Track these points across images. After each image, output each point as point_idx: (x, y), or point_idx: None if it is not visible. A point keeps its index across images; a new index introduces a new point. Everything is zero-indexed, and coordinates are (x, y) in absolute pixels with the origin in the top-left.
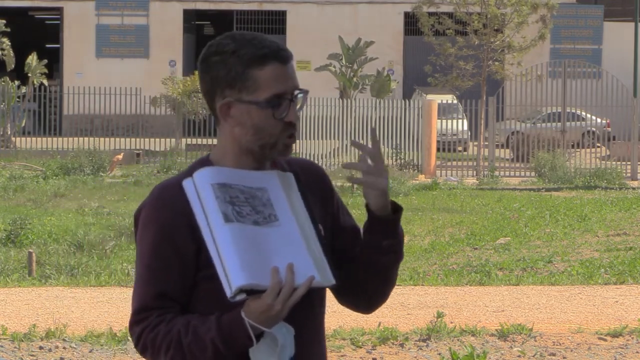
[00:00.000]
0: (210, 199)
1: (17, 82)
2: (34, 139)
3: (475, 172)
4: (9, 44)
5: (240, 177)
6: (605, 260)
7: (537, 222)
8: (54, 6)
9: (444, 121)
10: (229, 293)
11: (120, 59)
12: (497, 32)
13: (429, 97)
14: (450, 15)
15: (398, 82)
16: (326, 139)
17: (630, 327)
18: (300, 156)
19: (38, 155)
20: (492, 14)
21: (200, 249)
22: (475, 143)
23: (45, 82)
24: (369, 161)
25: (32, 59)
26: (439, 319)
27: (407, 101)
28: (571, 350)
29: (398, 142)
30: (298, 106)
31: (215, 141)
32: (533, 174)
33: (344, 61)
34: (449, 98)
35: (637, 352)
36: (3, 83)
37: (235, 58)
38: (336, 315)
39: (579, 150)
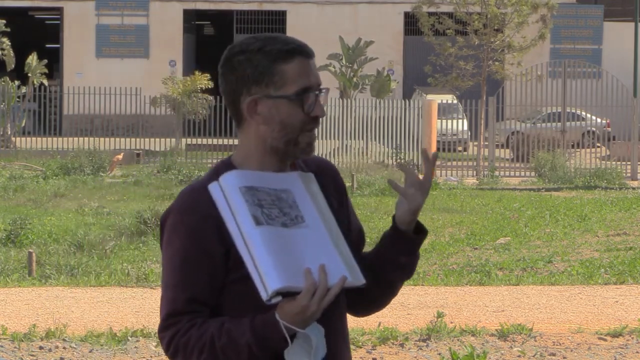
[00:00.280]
0: (240, 203)
1: (17, 82)
2: (34, 139)
3: (475, 172)
4: (9, 44)
5: (264, 179)
6: (605, 260)
7: (537, 222)
8: (54, 6)
9: (444, 121)
10: (265, 296)
11: (120, 59)
12: (497, 32)
13: (429, 97)
14: (450, 15)
15: (398, 82)
16: (326, 138)
17: (630, 327)
18: None
19: (38, 155)
20: (492, 14)
21: (229, 251)
22: (475, 143)
23: (45, 82)
24: (420, 176)
25: (32, 59)
26: (439, 319)
27: (407, 101)
28: (571, 350)
29: (398, 142)
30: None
31: (215, 141)
32: (533, 174)
33: (344, 61)
34: (449, 98)
35: (637, 352)
36: (3, 83)
37: (262, 54)
38: None
39: (579, 150)
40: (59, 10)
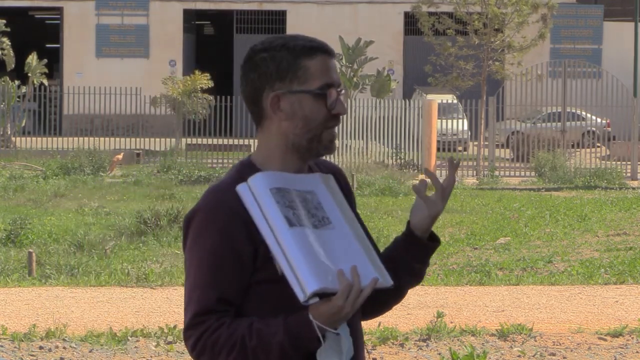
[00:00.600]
0: (271, 204)
1: (17, 82)
2: (34, 138)
3: (475, 172)
4: (9, 44)
5: (291, 180)
6: (605, 260)
7: (537, 222)
8: (54, 6)
9: (444, 121)
10: (302, 297)
11: (120, 59)
12: (498, 32)
13: (429, 97)
14: (450, 15)
15: (398, 82)
16: None
17: (630, 327)
18: None
19: (38, 155)
20: (492, 14)
21: (257, 250)
22: (475, 143)
23: (45, 82)
24: (442, 184)
25: (32, 59)
26: (439, 319)
27: (407, 101)
28: (571, 350)
29: (398, 142)
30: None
31: (215, 141)
32: (533, 173)
33: (344, 61)
34: (449, 98)
35: (637, 352)
36: (3, 83)
37: (285, 51)
38: None
39: (579, 150)
40: (59, 10)
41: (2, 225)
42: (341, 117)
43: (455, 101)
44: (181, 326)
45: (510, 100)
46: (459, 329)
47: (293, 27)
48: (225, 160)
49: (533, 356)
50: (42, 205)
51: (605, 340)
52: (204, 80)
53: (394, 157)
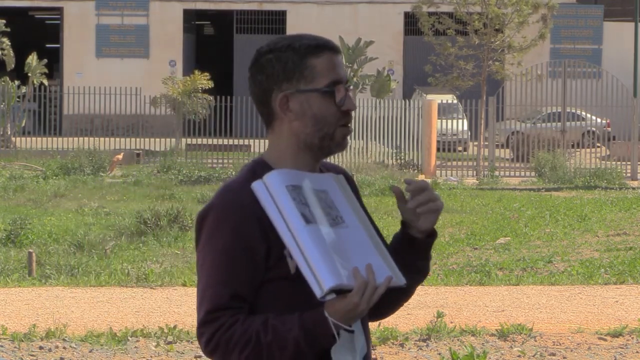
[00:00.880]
0: (287, 202)
1: (17, 82)
2: (34, 139)
3: (475, 172)
4: (9, 44)
5: (305, 179)
6: (605, 260)
7: (537, 222)
8: (54, 6)
9: (444, 121)
10: (319, 294)
11: (120, 59)
12: (498, 32)
13: (429, 97)
14: (450, 15)
15: (398, 82)
16: None
17: (630, 327)
18: None
19: (38, 155)
20: (492, 14)
21: (270, 248)
22: (475, 143)
23: (45, 82)
24: (425, 193)
25: (32, 59)
26: (439, 319)
27: (407, 101)
28: (571, 350)
29: (398, 142)
30: None
31: (215, 141)
32: (533, 174)
33: (344, 61)
34: (449, 98)
35: (637, 352)
36: (3, 83)
37: (291, 51)
38: None
39: (579, 150)
40: (59, 10)
41: (2, 225)
42: (352, 113)
43: (455, 101)
44: (181, 326)
45: (510, 101)
46: (459, 329)
47: (293, 27)
48: (225, 161)
49: (533, 356)
50: (42, 205)
51: (605, 340)
52: (204, 80)
53: (394, 157)
